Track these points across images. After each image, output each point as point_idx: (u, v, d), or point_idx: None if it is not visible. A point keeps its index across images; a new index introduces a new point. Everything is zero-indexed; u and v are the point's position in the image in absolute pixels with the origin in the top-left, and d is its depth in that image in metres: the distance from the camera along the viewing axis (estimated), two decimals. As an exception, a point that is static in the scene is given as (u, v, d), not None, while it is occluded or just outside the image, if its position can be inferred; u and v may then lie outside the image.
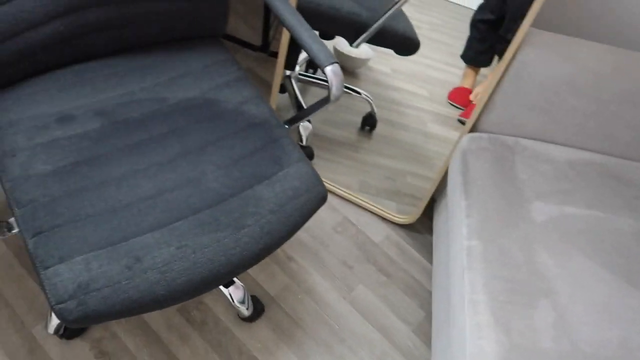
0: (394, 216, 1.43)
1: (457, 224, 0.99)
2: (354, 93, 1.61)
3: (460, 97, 1.67)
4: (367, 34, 1.28)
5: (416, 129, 1.75)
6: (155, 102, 0.89)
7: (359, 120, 1.61)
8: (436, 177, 1.31)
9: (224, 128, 0.88)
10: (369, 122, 1.64)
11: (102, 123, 0.84)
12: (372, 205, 1.44)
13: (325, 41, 1.44)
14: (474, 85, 1.54)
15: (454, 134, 1.57)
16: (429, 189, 1.33)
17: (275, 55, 1.74)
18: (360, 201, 1.44)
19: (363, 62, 1.72)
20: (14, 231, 0.73)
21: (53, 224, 0.72)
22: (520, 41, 1.03)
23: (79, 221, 0.73)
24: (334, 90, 0.79)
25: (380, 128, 1.68)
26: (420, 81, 1.83)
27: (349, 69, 1.77)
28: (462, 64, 1.41)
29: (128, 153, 0.82)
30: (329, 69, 0.78)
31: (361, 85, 1.82)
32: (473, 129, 1.19)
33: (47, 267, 0.69)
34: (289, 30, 0.83)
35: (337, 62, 0.79)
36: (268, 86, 1.70)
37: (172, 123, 0.87)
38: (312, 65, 1.60)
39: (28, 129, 0.80)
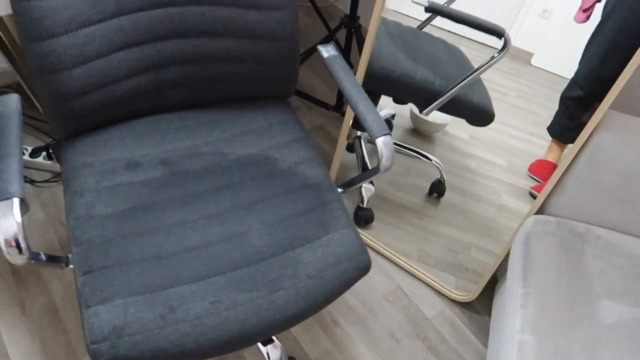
0: (451, 292, 1.36)
1: (511, 313, 0.91)
2: (423, 158, 1.58)
3: (542, 171, 1.58)
4: (436, 103, 1.27)
5: (488, 200, 1.67)
6: (216, 156, 0.93)
7: (427, 185, 1.57)
8: (500, 253, 1.23)
9: (276, 186, 0.90)
10: (437, 189, 1.59)
11: (164, 172, 0.89)
12: (429, 278, 1.38)
13: (400, 105, 1.45)
14: (559, 160, 1.46)
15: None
16: (491, 266, 1.25)
17: None
18: (417, 271, 1.39)
19: (439, 127, 1.70)
20: (70, 266, 0.78)
21: (102, 265, 0.76)
22: (597, 123, 0.97)
23: (126, 265, 0.77)
24: (384, 162, 0.79)
25: (449, 196, 1.62)
26: (499, 150, 1.75)
27: (425, 132, 1.75)
28: (549, 135, 1.35)
29: (182, 203, 0.86)
30: (380, 140, 0.78)
31: (435, 151, 1.78)
32: (540, 211, 1.12)
33: (89, 306, 0.73)
34: (346, 98, 0.84)
35: (389, 134, 0.79)
36: (336, 144, 1.72)
37: (228, 177, 0.90)
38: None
39: (99, 172, 0.87)
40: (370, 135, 0.80)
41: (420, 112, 1.31)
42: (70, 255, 1.11)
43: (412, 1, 1.19)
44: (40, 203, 1.40)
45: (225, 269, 0.79)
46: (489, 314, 1.35)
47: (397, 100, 1.46)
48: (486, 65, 1.22)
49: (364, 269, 0.86)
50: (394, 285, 1.38)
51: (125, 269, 0.76)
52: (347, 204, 1.52)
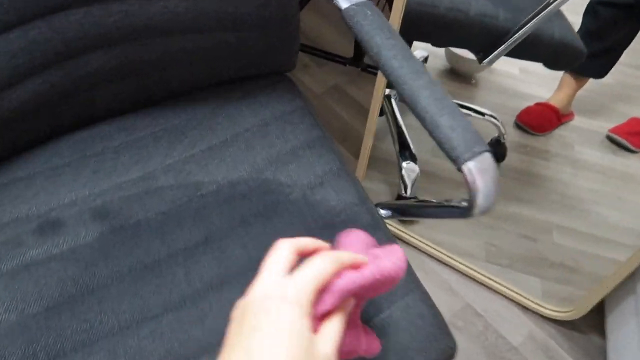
0: (541, 306, 1.00)
1: None
2: (474, 114, 1.20)
3: (537, 118, 1.17)
4: (503, 47, 0.87)
5: (559, 157, 1.29)
6: (182, 191, 0.57)
7: None
8: (630, 261, 0.82)
9: (285, 235, 0.54)
10: (495, 152, 1.22)
11: (100, 231, 0.54)
12: (506, 287, 1.02)
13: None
14: (564, 104, 1.12)
15: (617, 162, 1.13)
16: (613, 275, 0.83)
17: (370, 69, 1.37)
18: (488, 279, 1.03)
19: (483, 65, 1.31)
20: None
21: None
22: None
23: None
24: (480, 199, 0.42)
25: (509, 158, 1.26)
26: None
27: (466, 73, 1.38)
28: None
29: (131, 283, 0.51)
30: (471, 166, 0.41)
31: (481, 96, 1.40)
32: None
33: None
34: (394, 83, 0.46)
35: (487, 151, 0.42)
36: (359, 108, 1.34)
37: (204, 226, 0.55)
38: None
39: (3, 243, 0.53)
40: (450, 157, 0.42)
41: (481, 60, 0.91)
42: None
43: None
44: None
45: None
46: (597, 331, 0.99)
47: (434, 44, 1.06)
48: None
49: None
50: (460, 304, 1.02)
51: None
52: (382, 191, 1.15)
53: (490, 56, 0.88)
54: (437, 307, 0.53)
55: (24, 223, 0.54)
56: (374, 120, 0.95)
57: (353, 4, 0.50)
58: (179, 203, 0.56)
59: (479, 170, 0.41)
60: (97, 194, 0.57)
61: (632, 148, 1.21)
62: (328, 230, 0.55)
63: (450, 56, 1.43)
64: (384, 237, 0.55)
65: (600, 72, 1.05)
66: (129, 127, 0.63)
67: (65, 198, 0.56)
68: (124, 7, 0.54)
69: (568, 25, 0.92)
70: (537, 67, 0.97)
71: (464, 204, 0.48)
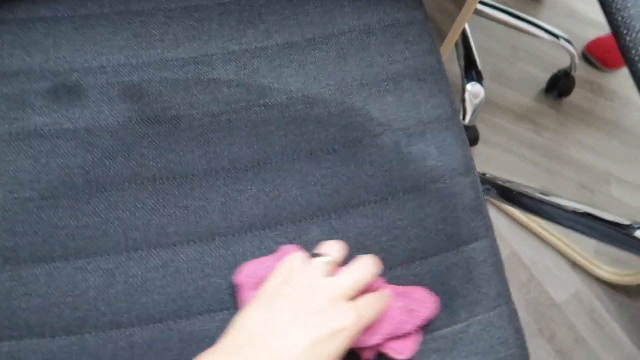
0: (594, 264, 0.90)
1: None
2: (547, 35, 1.00)
3: (609, 52, 1.11)
4: None
5: (624, 99, 1.16)
6: (243, 92, 0.43)
7: (544, 78, 1.09)
8: None
9: (360, 188, 0.41)
10: (560, 85, 1.07)
11: (129, 116, 0.41)
12: (557, 239, 0.91)
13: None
14: None
15: None
16: None
17: None
18: (539, 229, 0.91)
19: None
20: None
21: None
22: None
23: (7, 341, 0.35)
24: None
25: (575, 95, 1.07)
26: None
27: None
28: None
29: (149, 199, 0.39)
30: None
31: (547, 17, 1.21)
32: None
33: None
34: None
35: None
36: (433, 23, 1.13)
37: (258, 148, 0.42)
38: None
39: (9, 95, 0.41)
40: None
41: None
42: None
43: None
44: None
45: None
46: None
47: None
48: None
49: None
50: (507, 251, 0.93)
51: (5, 354, 0.34)
52: None
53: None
54: (523, 332, 0.40)
55: (35, 79, 0.42)
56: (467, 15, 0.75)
57: None
58: (235, 107, 0.42)
59: None
60: (135, 66, 0.43)
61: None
62: (416, 196, 0.41)
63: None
64: (483, 226, 0.41)
65: None
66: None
67: (94, 60, 0.43)
68: None
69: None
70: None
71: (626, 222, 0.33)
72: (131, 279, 0.37)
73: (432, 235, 0.41)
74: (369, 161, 0.42)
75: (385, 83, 0.44)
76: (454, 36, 0.75)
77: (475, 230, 0.42)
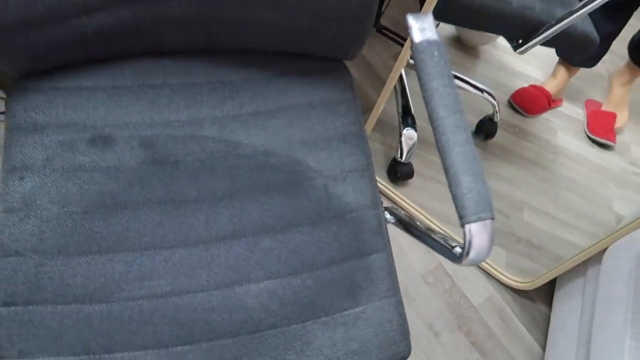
0: (504, 275, 1.13)
1: (612, 317, 0.69)
2: (473, 89, 1.23)
3: (530, 101, 1.26)
4: (544, 35, 0.89)
5: (542, 141, 1.39)
6: (222, 145, 0.63)
7: (473, 122, 1.26)
8: (582, 255, 0.94)
9: (299, 212, 0.61)
10: (486, 129, 1.29)
11: (144, 159, 0.61)
12: None
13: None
14: (557, 90, 1.16)
15: (592, 153, 1.23)
16: (568, 261, 0.96)
17: (386, 32, 1.33)
18: None
19: (490, 38, 1.33)
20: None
21: (29, 299, 0.53)
22: None
23: (60, 304, 0.53)
24: (472, 255, 0.48)
25: (498, 137, 1.33)
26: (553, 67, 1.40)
27: (472, 44, 1.40)
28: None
29: (159, 214, 0.59)
30: (473, 227, 0.47)
31: (481, 69, 1.43)
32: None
33: (1, 358, 0.51)
34: (435, 130, 0.50)
35: (490, 219, 0.47)
36: (372, 72, 1.35)
37: (233, 183, 0.62)
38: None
39: (52, 144, 0.60)
40: (457, 213, 0.48)
41: (515, 48, 0.94)
42: None
43: None
44: None
45: (199, 337, 0.54)
46: (545, 302, 1.13)
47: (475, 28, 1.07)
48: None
49: (398, 362, 0.60)
50: (434, 263, 1.14)
51: (59, 312, 0.53)
52: (378, 151, 1.22)
53: (526, 45, 0.91)
54: (405, 316, 0.61)
55: (80, 130, 0.61)
56: (389, 89, 0.97)
57: (425, 40, 0.53)
58: (216, 155, 0.63)
59: (478, 232, 0.47)
60: (149, 125, 0.63)
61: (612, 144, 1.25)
62: (337, 221, 0.62)
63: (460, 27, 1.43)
64: (381, 243, 0.62)
65: (591, 61, 1.06)
66: (190, 70, 0.67)
67: (121, 119, 0.62)
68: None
69: (588, 19, 0.93)
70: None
71: (458, 249, 0.54)
72: (142, 268, 0.56)
73: (345, 248, 0.61)
74: (305, 196, 0.62)
75: (321, 143, 0.65)
76: (386, 93, 0.97)
77: (375, 245, 0.62)
